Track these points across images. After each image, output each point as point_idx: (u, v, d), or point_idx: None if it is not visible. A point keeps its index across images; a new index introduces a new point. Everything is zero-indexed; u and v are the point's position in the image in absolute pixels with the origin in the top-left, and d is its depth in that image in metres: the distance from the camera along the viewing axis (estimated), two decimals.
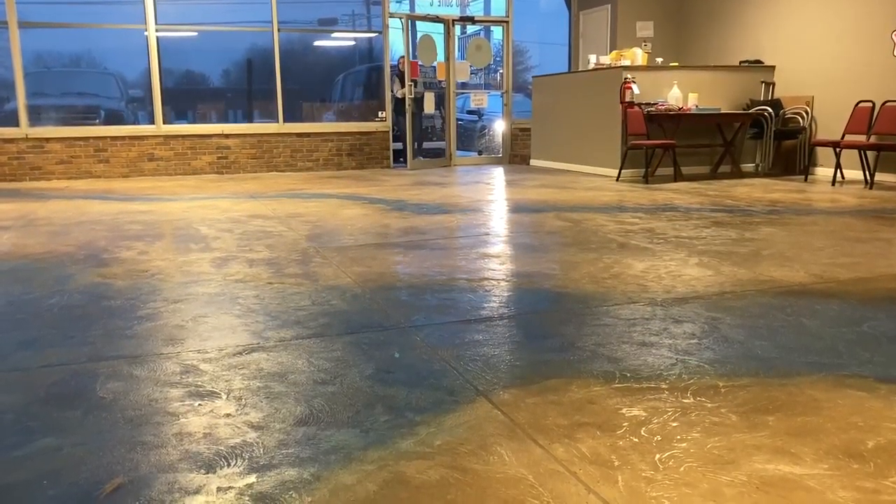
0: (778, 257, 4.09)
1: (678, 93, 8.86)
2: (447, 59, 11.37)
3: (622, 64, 9.07)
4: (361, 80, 12.81)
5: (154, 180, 9.57)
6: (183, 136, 10.27)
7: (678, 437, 1.90)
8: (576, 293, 3.38)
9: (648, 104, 8.78)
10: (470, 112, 14.06)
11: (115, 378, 2.37)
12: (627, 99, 8.72)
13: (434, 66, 11.47)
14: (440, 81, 11.60)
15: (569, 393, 2.20)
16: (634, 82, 8.73)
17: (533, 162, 11.09)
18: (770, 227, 5.12)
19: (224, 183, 9.11)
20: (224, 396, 2.21)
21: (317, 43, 11.76)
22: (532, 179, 8.95)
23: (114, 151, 10.00)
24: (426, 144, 13.24)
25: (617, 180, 8.57)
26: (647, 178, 8.34)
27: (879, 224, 5.20)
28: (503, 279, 3.68)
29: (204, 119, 10.85)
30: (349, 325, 2.92)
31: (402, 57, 10.59)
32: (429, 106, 11.59)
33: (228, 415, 2.08)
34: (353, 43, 12.59)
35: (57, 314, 3.13)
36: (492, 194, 7.61)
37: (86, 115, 10.88)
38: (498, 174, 9.99)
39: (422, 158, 11.38)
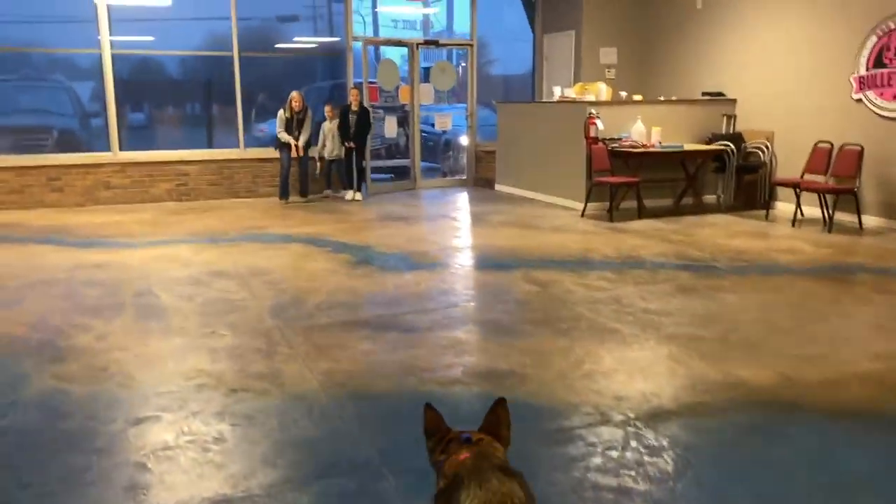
0: (745, 346, 4.12)
1: (642, 127, 8.90)
2: (411, 82, 11.25)
3: (587, 98, 9.06)
4: (324, 96, 12.64)
5: (110, 211, 9.31)
6: (140, 164, 10.00)
7: None
8: (548, 405, 3.34)
9: (612, 139, 8.80)
10: (433, 124, 13.94)
11: None
12: (592, 134, 8.73)
13: (394, 90, 11.35)
14: (403, 105, 11.49)
15: None
16: (598, 118, 8.74)
17: (498, 187, 11.06)
18: (735, 296, 5.15)
19: (183, 215, 8.90)
20: None
21: (279, 55, 11.55)
22: (497, 212, 8.91)
23: (68, 180, 9.70)
24: (390, 162, 13.14)
25: (582, 216, 8.58)
26: (611, 215, 8.36)
27: (840, 292, 5.27)
28: (474, 382, 3.63)
29: (162, 144, 10.59)
30: (317, 461, 2.84)
31: (297, 93, 9.86)
32: (390, 131, 11.47)
33: None
34: (315, 59, 12.44)
35: (11, 442, 3.00)
36: (457, 236, 7.55)
37: (38, 135, 10.55)
38: (463, 203, 9.93)
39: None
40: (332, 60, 11.98)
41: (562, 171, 9.36)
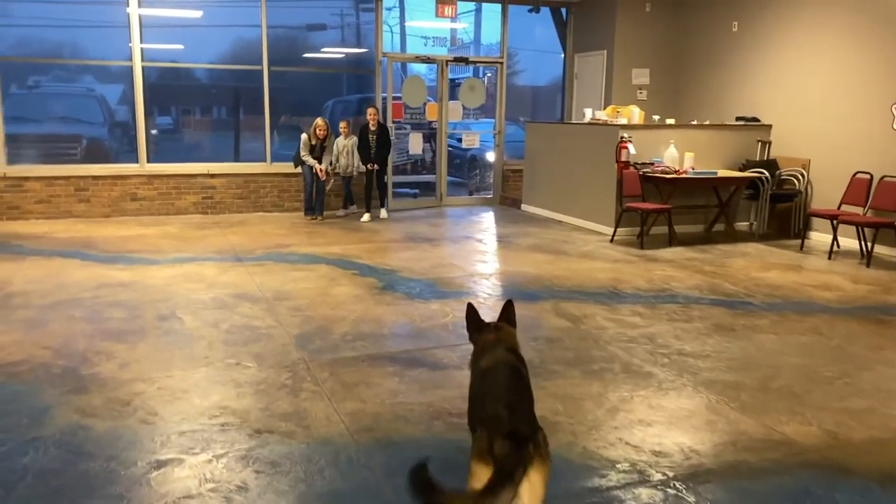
0: (786, 396, 3.95)
1: (675, 152, 8.74)
2: (440, 99, 11.18)
3: (619, 122, 8.92)
4: (352, 110, 12.63)
5: (136, 223, 9.31)
6: (167, 176, 10.02)
7: None
8: (582, 460, 3.21)
9: (644, 164, 8.66)
10: (460, 139, 13.88)
11: None
12: (623, 159, 8.59)
13: (421, 107, 11.27)
14: (430, 122, 11.42)
15: None
16: (630, 142, 8.59)
17: (524, 207, 10.94)
18: (773, 336, 4.98)
19: (208, 229, 8.87)
20: None
21: (307, 69, 11.51)
22: (524, 235, 8.79)
23: (95, 191, 9.73)
24: (416, 178, 13.08)
25: (611, 241, 8.43)
26: (642, 242, 8.20)
27: (883, 336, 5.08)
28: None
29: (188, 151, 10.58)
30: None
31: (323, 121, 9.79)
32: (415, 147, 11.43)
33: None
34: (344, 74, 12.43)
35: (31, 486, 2.92)
36: (484, 261, 7.43)
37: (67, 144, 10.59)
38: (489, 224, 9.81)
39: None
40: (360, 74, 11.93)
41: (591, 195, 9.22)
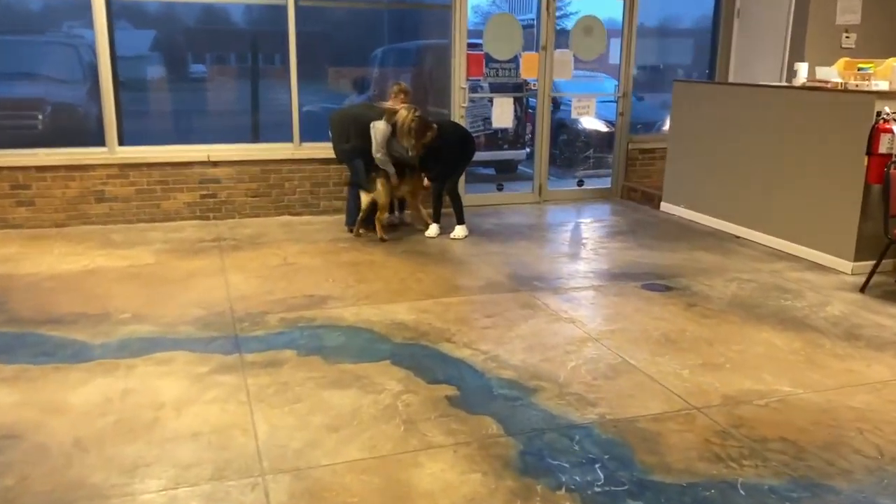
0: None
1: None
2: (544, 47, 7.72)
3: (871, 86, 5.38)
4: (409, 61, 9.21)
5: (99, 239, 6.16)
6: (149, 165, 6.80)
7: None
8: None
9: None
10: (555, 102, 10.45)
11: None
12: (883, 150, 5.10)
13: (513, 60, 7.87)
14: (524, 82, 8.01)
15: None
16: (895, 121, 5.09)
17: (665, 206, 7.50)
18: None
19: (202, 256, 5.65)
20: None
21: (348, 5, 8.11)
22: (702, 271, 5.40)
23: (42, 189, 6.57)
24: (492, 154, 9.71)
25: (862, 291, 5.01)
26: None
27: None
28: None
29: (181, 138, 7.26)
30: None
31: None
32: (503, 118, 8.02)
33: None
34: (398, 11, 8.98)
35: None
36: (678, 349, 4.08)
37: (23, 112, 7.39)
38: (628, 241, 6.39)
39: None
40: (417, 14, 8.50)
41: (807, 205, 5.75)
